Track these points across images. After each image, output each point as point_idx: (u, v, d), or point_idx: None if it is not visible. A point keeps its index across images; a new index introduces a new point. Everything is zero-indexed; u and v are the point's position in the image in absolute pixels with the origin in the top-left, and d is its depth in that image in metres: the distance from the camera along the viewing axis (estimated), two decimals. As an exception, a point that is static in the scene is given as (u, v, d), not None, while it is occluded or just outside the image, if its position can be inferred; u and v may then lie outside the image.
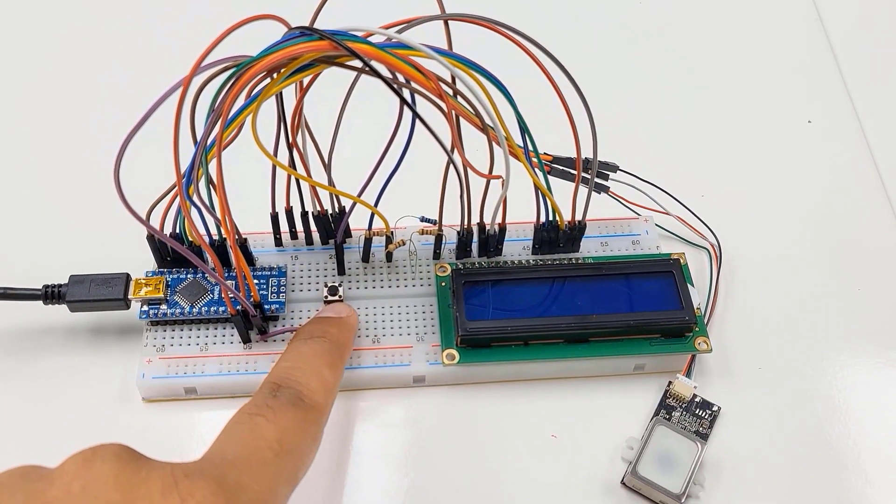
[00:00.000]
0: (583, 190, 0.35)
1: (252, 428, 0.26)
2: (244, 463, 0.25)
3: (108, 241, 0.37)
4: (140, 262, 0.36)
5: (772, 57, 0.49)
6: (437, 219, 0.36)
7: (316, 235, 0.37)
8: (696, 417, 0.34)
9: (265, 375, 0.30)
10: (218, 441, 0.26)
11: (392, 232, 0.36)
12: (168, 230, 0.34)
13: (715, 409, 0.35)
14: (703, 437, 0.34)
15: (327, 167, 0.34)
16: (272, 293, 0.35)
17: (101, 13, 0.50)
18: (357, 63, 0.27)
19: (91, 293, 0.34)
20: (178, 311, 0.35)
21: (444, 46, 0.30)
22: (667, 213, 0.39)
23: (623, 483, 0.33)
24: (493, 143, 0.31)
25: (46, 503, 0.22)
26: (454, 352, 0.34)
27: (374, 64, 0.27)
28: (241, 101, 0.28)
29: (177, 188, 0.29)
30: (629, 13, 0.52)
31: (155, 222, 0.33)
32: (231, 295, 0.33)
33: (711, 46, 0.50)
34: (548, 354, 0.35)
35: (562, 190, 0.35)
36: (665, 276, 0.36)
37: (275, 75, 0.27)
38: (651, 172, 0.40)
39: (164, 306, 0.35)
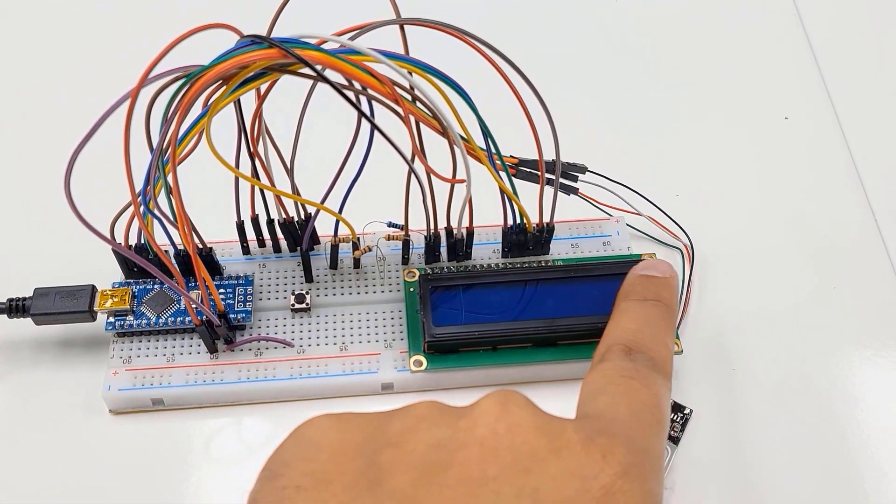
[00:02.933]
0: (550, 192, 0.34)
1: (630, 390, 0.26)
2: (640, 427, 0.24)
3: (73, 253, 0.37)
4: (107, 272, 0.36)
5: (748, 52, 0.49)
6: (404, 224, 0.35)
7: (283, 243, 0.37)
8: (668, 420, 0.34)
9: (609, 335, 0.29)
10: (597, 401, 0.26)
11: (358, 238, 0.35)
12: (133, 241, 0.34)
13: (686, 412, 0.34)
14: (674, 440, 0.34)
15: (290, 174, 0.34)
16: (239, 302, 0.35)
17: (53, 23, 0.50)
18: (309, 70, 0.26)
19: (56, 306, 0.34)
20: (145, 321, 0.34)
21: (402, 52, 0.29)
22: (638, 214, 0.39)
23: (593, 488, 0.33)
24: (454, 146, 0.30)
25: (477, 441, 0.22)
26: (422, 358, 0.34)
27: (327, 71, 0.27)
28: (197, 111, 0.28)
29: (133, 203, 0.29)
30: (601, 11, 0.51)
31: (119, 232, 0.33)
32: (194, 305, 0.32)
33: (685, 42, 0.50)
34: (516, 359, 0.34)
35: (532, 192, 0.34)
36: (635, 277, 0.36)
37: (228, 84, 0.27)
38: (625, 173, 0.39)
39: (130, 317, 0.35)
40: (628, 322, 0.30)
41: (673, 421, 0.34)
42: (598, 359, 0.28)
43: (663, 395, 0.26)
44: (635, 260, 0.36)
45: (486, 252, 0.38)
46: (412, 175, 0.32)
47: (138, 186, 0.29)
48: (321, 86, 0.29)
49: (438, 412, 0.23)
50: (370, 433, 0.22)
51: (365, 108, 0.29)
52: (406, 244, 0.36)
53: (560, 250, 0.38)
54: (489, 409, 0.23)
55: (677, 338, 0.35)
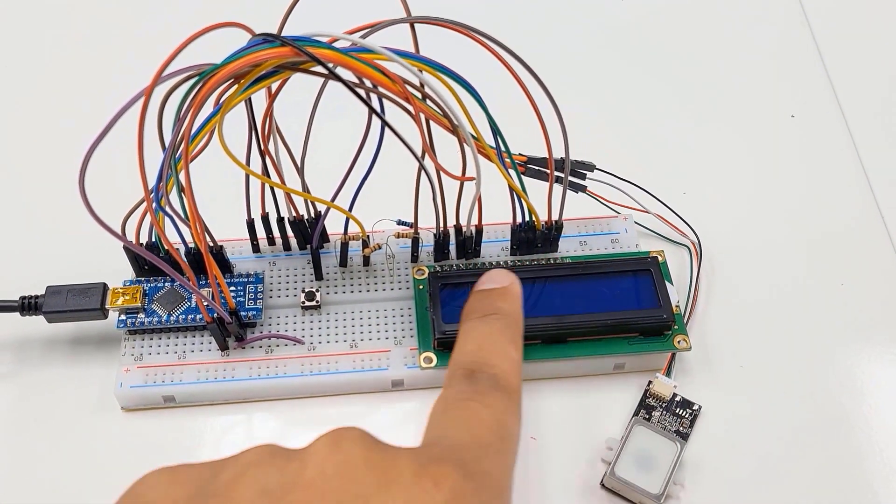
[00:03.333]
0: (559, 189, 0.35)
1: (468, 414, 0.26)
2: (479, 449, 0.24)
3: (84, 251, 0.37)
4: (118, 271, 0.36)
5: (754, 50, 0.49)
6: (413, 221, 0.35)
7: (293, 241, 0.37)
8: (677, 417, 0.34)
9: (452, 360, 0.29)
10: (435, 428, 0.25)
11: (368, 236, 0.36)
12: (144, 239, 0.34)
13: (695, 408, 0.35)
14: (684, 436, 0.34)
15: (300, 172, 0.34)
16: (249, 300, 0.35)
17: (67, 24, 0.50)
18: (321, 69, 0.27)
19: (68, 303, 0.34)
20: (156, 319, 0.35)
21: (412, 50, 0.29)
22: (646, 211, 0.39)
23: (602, 484, 0.33)
24: (464, 144, 0.30)
25: (304, 484, 0.21)
26: (431, 355, 0.34)
27: (339, 69, 0.27)
28: (209, 109, 0.28)
29: (146, 201, 0.29)
30: (608, 8, 0.51)
31: (131, 231, 0.33)
32: (206, 303, 0.33)
33: (692, 41, 0.50)
34: (526, 355, 0.34)
35: (541, 190, 0.35)
36: (643, 274, 0.36)
37: (241, 82, 0.27)
38: (632, 171, 0.39)
39: (141, 315, 0.35)
40: (468, 343, 0.29)
41: (682, 417, 0.34)
42: (444, 386, 0.28)
43: (506, 412, 0.26)
44: (643, 257, 0.36)
45: (495, 249, 0.38)
46: (422, 173, 0.32)
47: (150, 185, 0.29)
48: (331, 84, 0.30)
49: (270, 456, 0.22)
50: (200, 485, 0.22)
51: (376, 106, 0.29)
52: (415, 242, 0.36)
53: (568, 248, 0.38)
54: (319, 449, 0.22)
55: (685, 333, 0.35)
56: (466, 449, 0.24)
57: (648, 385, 0.35)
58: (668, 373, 0.35)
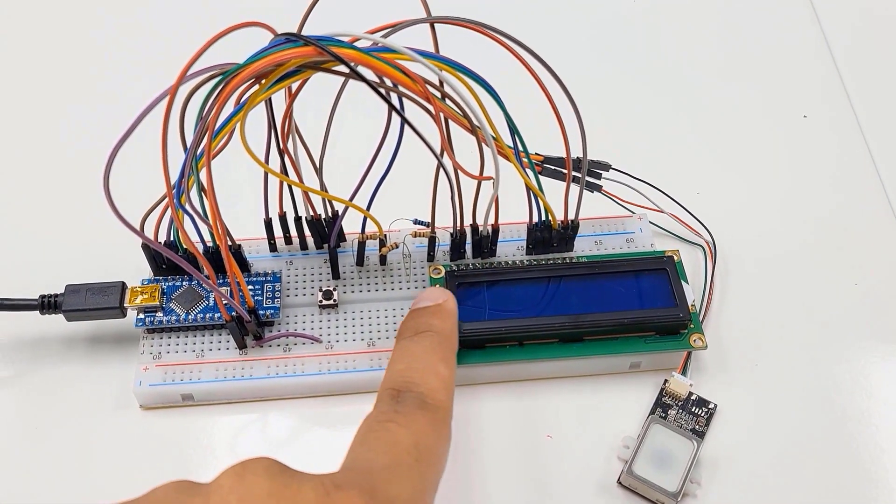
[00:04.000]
0: (575, 189, 0.35)
1: (387, 436, 0.26)
2: (389, 471, 0.24)
3: (103, 250, 0.37)
4: (136, 269, 0.36)
5: (767, 51, 0.49)
6: (430, 221, 0.36)
7: (310, 240, 0.37)
8: (693, 415, 0.34)
9: (382, 381, 0.29)
10: (354, 451, 0.26)
11: (385, 235, 0.36)
12: (162, 238, 0.34)
13: (711, 406, 0.35)
14: (700, 434, 0.34)
15: (319, 172, 0.34)
16: (267, 298, 0.35)
17: (92, 24, 0.50)
18: (343, 68, 0.27)
19: (87, 302, 0.35)
20: (174, 318, 0.35)
21: (431, 49, 0.30)
22: (661, 211, 0.39)
23: (619, 482, 0.33)
24: (483, 144, 0.31)
25: None
26: (449, 354, 0.34)
27: (360, 68, 0.27)
28: (230, 109, 0.28)
29: (168, 197, 0.29)
30: (622, 9, 0.51)
31: (149, 230, 0.33)
32: (225, 301, 0.33)
33: (705, 42, 0.50)
34: (543, 354, 0.35)
35: (556, 189, 0.35)
36: (659, 273, 0.36)
37: (262, 82, 0.28)
38: (646, 170, 0.39)
39: (159, 314, 0.35)
40: (397, 363, 0.29)
41: (698, 416, 0.34)
42: (373, 407, 0.28)
43: (427, 432, 0.26)
44: (659, 256, 0.37)
45: (511, 249, 0.38)
46: (440, 172, 0.32)
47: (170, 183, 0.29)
48: (349, 85, 0.30)
49: (175, 493, 0.23)
50: None
51: (395, 104, 0.29)
52: (432, 241, 0.36)
53: (584, 247, 0.38)
54: (224, 482, 0.23)
55: (701, 332, 0.35)
56: (377, 472, 0.24)
57: (664, 384, 0.35)
58: (683, 371, 0.36)
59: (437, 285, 0.33)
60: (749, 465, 0.34)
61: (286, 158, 0.33)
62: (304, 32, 0.27)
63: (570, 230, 0.37)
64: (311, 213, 0.36)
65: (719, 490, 0.33)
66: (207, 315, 0.35)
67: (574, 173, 0.34)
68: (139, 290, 0.35)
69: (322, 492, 0.22)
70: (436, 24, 0.30)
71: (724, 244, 0.40)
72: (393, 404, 0.27)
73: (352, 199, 0.33)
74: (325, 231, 0.36)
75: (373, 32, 0.28)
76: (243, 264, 0.37)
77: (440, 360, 0.29)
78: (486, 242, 0.37)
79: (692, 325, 0.35)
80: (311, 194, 0.34)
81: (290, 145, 0.32)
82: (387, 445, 0.25)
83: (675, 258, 0.37)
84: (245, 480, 0.22)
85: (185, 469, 0.34)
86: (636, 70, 0.48)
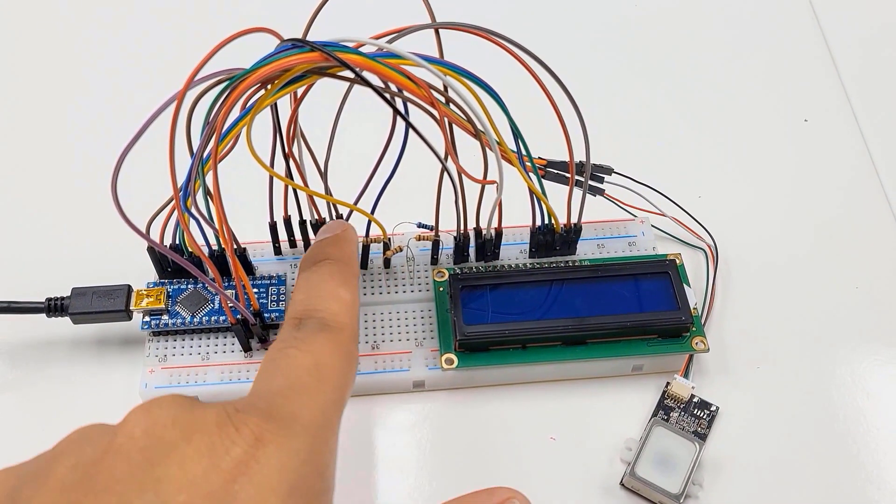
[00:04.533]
0: (578, 193, 0.35)
1: (287, 360, 0.26)
2: (288, 392, 0.25)
3: (109, 253, 0.38)
4: (141, 273, 0.36)
5: (768, 55, 0.50)
6: (434, 224, 0.36)
7: (315, 243, 0.38)
8: (695, 418, 0.35)
9: (286, 312, 0.29)
10: (258, 380, 0.26)
11: (389, 238, 0.36)
12: (168, 241, 0.35)
13: (713, 409, 0.35)
14: (702, 437, 0.34)
15: (323, 176, 0.34)
16: (272, 301, 0.36)
17: (99, 28, 0.51)
18: (349, 73, 0.27)
19: (93, 305, 0.35)
20: (180, 321, 0.35)
21: (436, 55, 0.30)
22: (663, 215, 0.40)
23: (622, 484, 0.33)
24: (486, 149, 0.31)
25: (113, 450, 0.22)
26: (453, 356, 0.35)
27: (365, 74, 0.27)
28: (236, 113, 0.28)
29: (174, 202, 0.29)
30: (622, 15, 0.52)
31: (154, 234, 0.33)
32: (231, 304, 0.33)
33: (706, 46, 0.50)
34: (546, 357, 0.35)
35: (558, 193, 0.35)
36: (661, 276, 0.36)
37: (268, 87, 0.28)
38: (648, 175, 0.40)
39: (165, 317, 0.35)
40: (297, 293, 0.30)
41: (700, 418, 0.35)
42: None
43: (328, 352, 0.27)
44: (661, 259, 0.37)
45: (514, 252, 0.38)
46: (444, 176, 0.33)
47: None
48: (354, 90, 0.30)
49: (89, 432, 0.23)
50: (21, 475, 0.23)
51: (400, 109, 0.29)
52: (436, 244, 0.37)
53: (586, 250, 0.38)
54: (131, 417, 0.23)
55: (703, 335, 0.35)
56: (276, 394, 0.25)
57: (667, 386, 0.35)
58: (685, 374, 0.36)
59: (337, 221, 0.34)
60: (751, 467, 0.34)
61: (291, 162, 0.33)
62: (310, 38, 0.27)
63: (572, 234, 0.37)
64: (316, 216, 0.36)
65: (721, 492, 0.33)
66: (213, 318, 0.35)
67: (577, 177, 0.34)
68: (145, 293, 0.35)
69: (223, 415, 0.23)
70: (440, 30, 0.30)
71: (726, 247, 0.40)
72: (293, 331, 0.28)
73: (356, 202, 0.33)
74: (330, 234, 0.37)
75: (378, 38, 0.28)
76: (248, 267, 0.37)
77: (339, 284, 0.30)
78: (489, 246, 0.37)
79: (694, 328, 0.35)
80: (315, 198, 0.35)
81: (295, 149, 0.33)
82: (287, 369, 0.26)
83: (678, 261, 0.37)
84: (151, 413, 0.23)
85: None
86: (638, 75, 0.49)
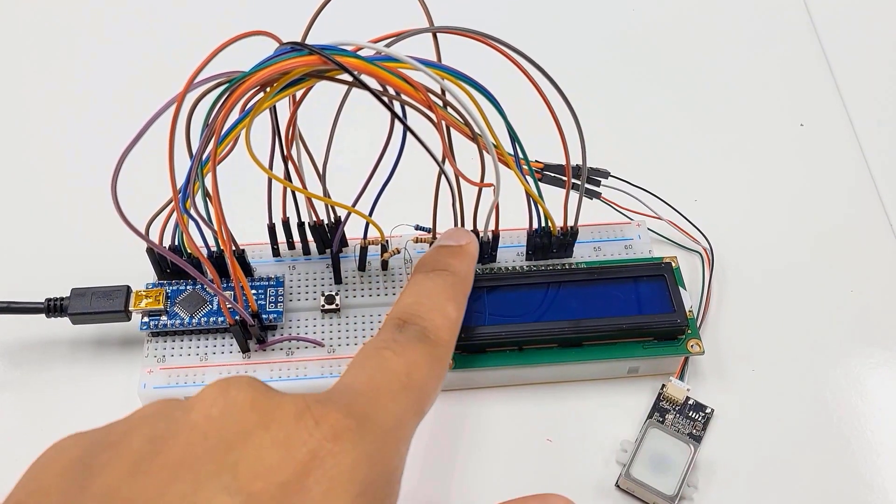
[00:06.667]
0: (575, 196, 0.35)
1: (379, 361, 0.26)
2: (372, 393, 0.25)
3: (108, 254, 0.38)
4: (140, 273, 0.37)
5: (764, 60, 0.50)
6: (432, 227, 0.36)
7: (313, 245, 0.38)
8: (690, 420, 0.35)
9: (390, 311, 0.29)
10: (346, 374, 0.26)
11: (387, 241, 0.36)
12: (167, 242, 0.35)
13: (708, 411, 0.35)
14: (697, 439, 0.34)
15: (322, 178, 0.34)
16: (270, 303, 0.36)
17: (99, 30, 0.51)
18: (347, 76, 0.27)
19: (92, 306, 0.35)
20: (178, 322, 0.35)
21: (434, 59, 0.30)
22: (659, 218, 0.40)
23: (617, 486, 0.34)
24: (483, 152, 0.31)
25: (189, 427, 0.22)
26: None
27: (364, 77, 0.28)
28: (235, 116, 0.28)
29: (173, 203, 0.30)
30: (620, 18, 0.52)
31: (154, 235, 0.33)
32: (229, 306, 0.33)
33: (703, 50, 0.50)
34: (542, 359, 0.35)
35: (555, 196, 0.35)
36: (657, 279, 0.36)
37: (267, 89, 0.28)
38: (644, 178, 0.40)
39: (164, 317, 0.35)
40: (408, 296, 0.30)
41: (695, 420, 0.35)
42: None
43: (422, 364, 0.27)
44: (657, 262, 0.37)
45: (511, 255, 0.38)
46: (441, 179, 0.33)
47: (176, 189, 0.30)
48: (353, 93, 0.30)
49: (164, 407, 0.23)
50: (95, 441, 0.23)
51: (398, 112, 0.29)
52: (433, 247, 0.37)
53: (583, 253, 0.38)
54: (207, 395, 0.23)
55: (698, 337, 0.36)
56: (360, 392, 0.25)
57: (662, 388, 0.36)
58: (681, 376, 0.36)
59: (463, 231, 0.33)
60: (745, 470, 0.34)
61: (290, 165, 0.33)
62: (309, 41, 0.28)
63: (569, 236, 0.37)
64: (314, 218, 0.36)
65: (716, 494, 0.34)
66: (211, 319, 0.35)
67: (573, 180, 0.34)
68: (144, 293, 0.36)
69: (302, 405, 0.23)
70: (438, 34, 0.30)
71: (722, 251, 0.40)
72: (394, 333, 0.28)
73: (354, 204, 0.34)
74: (328, 236, 0.37)
75: (376, 42, 0.29)
76: (247, 269, 0.37)
77: (449, 299, 0.30)
78: (486, 248, 0.37)
79: (689, 331, 0.36)
80: (314, 200, 0.35)
81: (293, 152, 0.33)
82: (377, 370, 0.26)
83: (673, 264, 0.37)
84: (228, 394, 0.23)
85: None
86: (635, 79, 0.49)
